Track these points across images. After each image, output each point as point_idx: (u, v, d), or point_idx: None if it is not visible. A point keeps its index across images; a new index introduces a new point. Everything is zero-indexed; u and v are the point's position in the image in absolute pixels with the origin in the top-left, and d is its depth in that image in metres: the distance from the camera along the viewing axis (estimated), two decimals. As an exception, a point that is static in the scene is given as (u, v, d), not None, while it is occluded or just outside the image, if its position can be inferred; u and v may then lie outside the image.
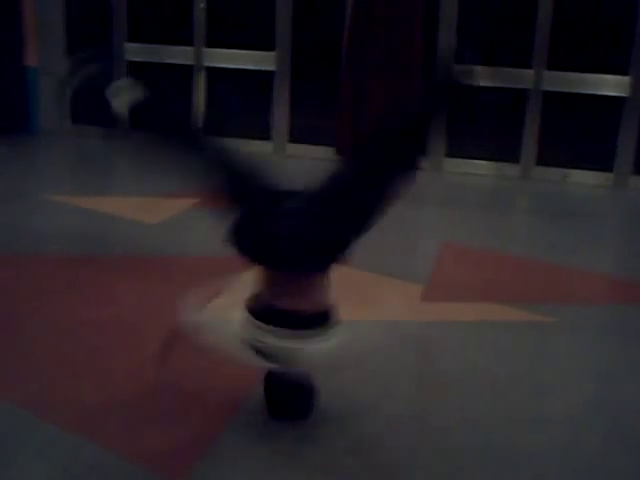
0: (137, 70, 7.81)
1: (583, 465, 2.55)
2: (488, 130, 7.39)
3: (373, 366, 3.15)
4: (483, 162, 7.16)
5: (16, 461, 2.40)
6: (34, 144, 7.74)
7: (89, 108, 2.45)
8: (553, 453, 2.59)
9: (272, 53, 7.38)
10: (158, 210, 5.31)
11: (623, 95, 6.67)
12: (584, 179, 6.87)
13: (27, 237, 4.69)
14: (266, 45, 7.40)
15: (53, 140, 7.87)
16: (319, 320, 2.48)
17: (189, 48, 7.62)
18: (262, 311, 2.44)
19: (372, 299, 3.93)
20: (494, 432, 2.70)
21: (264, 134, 7.58)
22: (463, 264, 4.57)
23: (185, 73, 7.66)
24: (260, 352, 2.40)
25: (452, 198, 6.32)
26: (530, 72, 6.80)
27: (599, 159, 6.88)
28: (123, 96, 2.57)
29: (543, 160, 6.95)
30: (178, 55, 7.69)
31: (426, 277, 4.24)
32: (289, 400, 2.62)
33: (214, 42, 7.58)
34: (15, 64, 7.88)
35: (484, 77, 6.95)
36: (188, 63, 7.65)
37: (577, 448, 2.64)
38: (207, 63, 7.61)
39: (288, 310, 2.42)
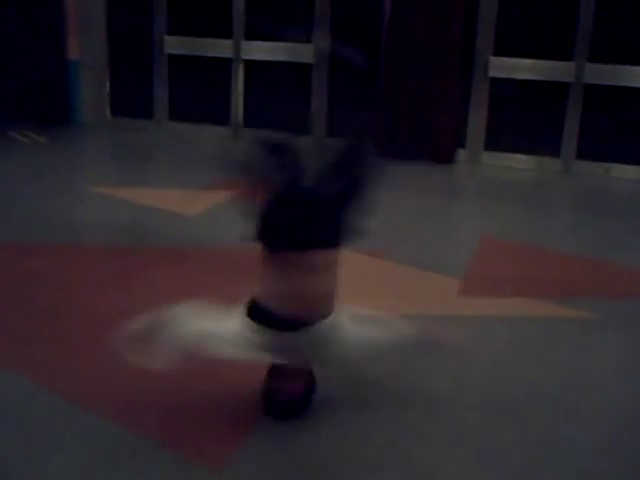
0: (176, 63, 7.89)
1: (622, 461, 2.52)
2: (528, 123, 7.31)
3: (407, 361, 3.14)
4: (523, 156, 7.08)
5: (58, 448, 2.44)
6: (75, 136, 7.84)
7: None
8: (591, 449, 2.57)
9: (310, 45, 7.37)
10: (196, 202, 5.35)
11: (666, 88, 6.56)
12: (626, 173, 6.77)
13: (68, 228, 4.76)
14: (305, 40, 7.39)
15: (93, 132, 7.97)
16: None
17: (228, 41, 7.65)
18: (262, 316, 2.48)
19: (409, 293, 3.91)
20: (531, 428, 2.68)
21: (302, 127, 7.59)
22: (502, 258, 4.53)
23: (224, 66, 7.69)
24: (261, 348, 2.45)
25: (491, 192, 6.27)
26: (571, 64, 6.71)
27: (641, 153, 6.78)
28: None
29: (584, 154, 6.85)
30: (217, 48, 7.73)
31: (464, 271, 4.21)
32: (286, 400, 2.62)
33: (252, 35, 7.61)
34: (57, 57, 7.99)
35: (525, 69, 6.90)
36: (227, 56, 7.68)
37: (616, 444, 2.61)
38: (245, 56, 7.64)
39: (288, 316, 2.46)
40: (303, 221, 2.51)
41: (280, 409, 2.62)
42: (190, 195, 5.62)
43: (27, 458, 2.38)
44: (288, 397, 2.59)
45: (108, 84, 8.20)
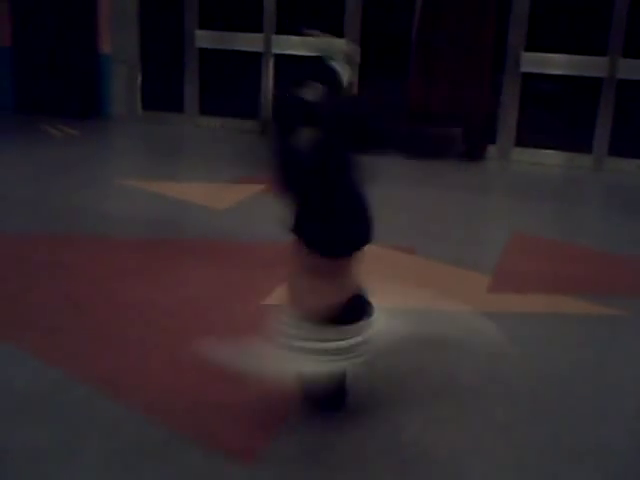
0: (207, 57, 7.92)
1: (653, 462, 2.50)
2: (559, 119, 7.24)
3: (437, 357, 3.14)
4: (553, 152, 7.02)
5: (89, 437, 2.48)
6: (106, 130, 7.91)
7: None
8: (622, 448, 2.55)
9: (341, 40, 7.36)
10: (226, 195, 5.37)
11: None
12: (659, 170, 6.69)
13: (100, 220, 4.80)
14: (335, 32, 7.38)
15: (125, 126, 8.03)
16: (357, 312, 2.50)
17: (258, 35, 7.67)
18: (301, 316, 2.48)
19: (439, 288, 3.90)
20: (561, 426, 2.66)
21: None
22: (532, 255, 4.50)
23: (254, 60, 7.71)
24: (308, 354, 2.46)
25: (521, 188, 6.22)
26: (605, 60, 6.64)
27: (674, 149, 6.69)
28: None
29: (616, 150, 6.78)
30: (247, 42, 7.74)
31: (494, 267, 4.19)
32: (324, 395, 2.62)
33: (283, 29, 7.62)
34: (89, 51, 8.06)
35: (557, 65, 6.84)
36: (257, 50, 7.70)
37: (647, 445, 2.59)
38: (276, 50, 7.64)
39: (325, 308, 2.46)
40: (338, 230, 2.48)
41: (318, 403, 2.63)
42: (220, 189, 5.65)
43: (58, 447, 2.41)
44: (324, 394, 2.60)
45: (139, 78, 8.26)
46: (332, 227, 2.46)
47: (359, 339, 2.47)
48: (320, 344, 2.44)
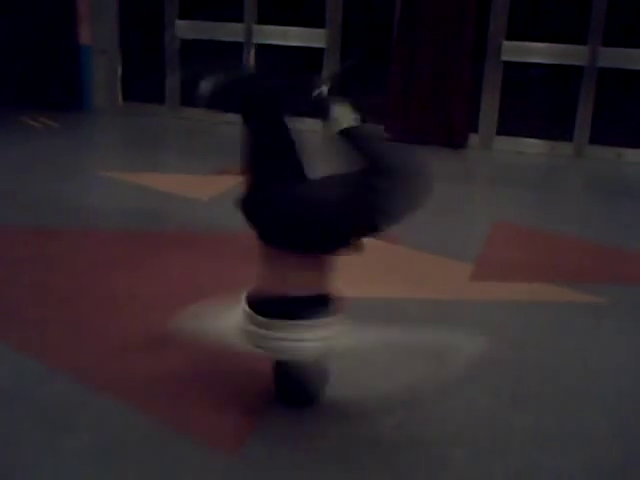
0: (187, 47, 7.87)
1: (635, 447, 2.52)
2: (540, 108, 7.27)
3: (412, 341, 3.15)
4: (535, 140, 7.06)
5: (72, 430, 2.47)
6: (87, 121, 7.86)
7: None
8: (605, 434, 2.57)
9: (322, 30, 7.35)
10: (208, 187, 5.35)
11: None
12: (639, 158, 6.73)
13: (82, 213, 4.78)
14: (316, 22, 7.37)
15: (105, 117, 7.98)
16: (318, 307, 2.46)
17: (239, 25, 7.63)
18: (262, 303, 2.47)
19: (421, 278, 3.92)
20: (542, 413, 2.68)
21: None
22: (514, 244, 4.52)
23: (235, 50, 7.68)
24: (261, 345, 2.44)
25: (503, 177, 6.25)
26: (585, 48, 6.67)
27: (655, 138, 6.74)
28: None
29: (597, 138, 6.82)
30: (228, 32, 7.71)
31: (476, 256, 4.21)
32: (298, 386, 2.61)
33: (264, 19, 7.59)
34: (69, 42, 8.00)
35: (538, 53, 6.86)
36: (238, 40, 7.66)
37: (628, 430, 2.61)
38: (257, 40, 7.62)
39: (288, 298, 2.44)
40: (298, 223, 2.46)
41: (289, 394, 2.63)
42: (203, 180, 5.63)
43: (41, 441, 2.40)
44: (297, 382, 2.60)
45: (120, 69, 8.20)
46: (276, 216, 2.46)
47: (306, 336, 2.41)
48: (262, 332, 2.42)
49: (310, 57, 7.45)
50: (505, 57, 6.89)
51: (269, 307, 2.44)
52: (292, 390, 2.61)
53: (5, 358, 2.91)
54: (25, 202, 4.94)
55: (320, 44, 7.36)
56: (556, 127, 7.06)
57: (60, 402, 2.63)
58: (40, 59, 7.98)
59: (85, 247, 4.17)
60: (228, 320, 2.54)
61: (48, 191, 5.18)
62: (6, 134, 7.06)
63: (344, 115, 2.66)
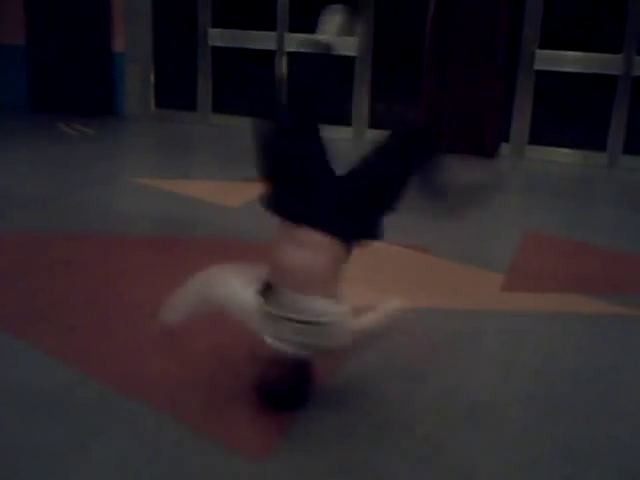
0: (220, 55, 7.92)
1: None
2: (573, 117, 7.21)
3: (450, 354, 3.13)
4: (568, 150, 6.99)
5: (103, 434, 2.48)
6: (120, 128, 7.94)
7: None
8: (636, 448, 2.53)
9: (355, 38, 7.35)
10: (239, 194, 5.37)
11: None
12: (674, 168, 6.65)
13: (112, 219, 4.82)
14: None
15: (138, 124, 8.05)
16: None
17: (271, 33, 7.67)
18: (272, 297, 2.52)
19: (452, 288, 3.89)
20: (575, 426, 2.65)
21: (344, 120, 7.58)
22: (545, 254, 4.48)
23: (267, 58, 7.71)
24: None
25: (535, 186, 6.20)
26: (620, 57, 6.60)
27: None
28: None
29: (631, 148, 6.74)
30: (260, 40, 7.75)
31: (507, 266, 4.18)
32: (283, 390, 2.59)
33: (296, 27, 7.61)
34: (102, 50, 8.09)
35: (572, 62, 6.80)
36: (270, 48, 7.70)
37: (662, 445, 2.57)
38: (289, 48, 7.65)
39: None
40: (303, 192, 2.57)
41: (269, 397, 2.61)
42: (233, 187, 5.65)
43: (73, 444, 2.42)
44: (277, 386, 2.57)
45: (153, 76, 8.28)
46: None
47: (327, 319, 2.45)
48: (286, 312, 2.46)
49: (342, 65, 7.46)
50: (538, 66, 6.84)
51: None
52: (275, 392, 2.59)
53: (38, 362, 2.94)
54: (58, 208, 4.99)
55: (352, 52, 7.36)
56: (589, 137, 6.99)
57: (91, 406, 2.65)
58: (74, 66, 8.08)
59: (116, 253, 4.20)
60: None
61: (81, 197, 5.23)
62: (40, 141, 7.16)
63: (331, 26, 2.77)
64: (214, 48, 7.95)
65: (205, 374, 2.87)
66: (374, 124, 7.49)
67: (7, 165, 6.17)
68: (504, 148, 7.06)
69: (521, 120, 7.02)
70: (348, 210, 2.55)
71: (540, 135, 7.02)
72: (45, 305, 3.47)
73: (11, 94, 8.42)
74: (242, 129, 7.67)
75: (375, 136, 7.35)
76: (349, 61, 7.39)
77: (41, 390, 2.74)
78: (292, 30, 7.61)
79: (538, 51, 6.81)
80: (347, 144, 7.34)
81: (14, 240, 4.36)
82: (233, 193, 5.45)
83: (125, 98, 8.27)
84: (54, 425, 2.52)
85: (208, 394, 2.73)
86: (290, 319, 2.45)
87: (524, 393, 2.87)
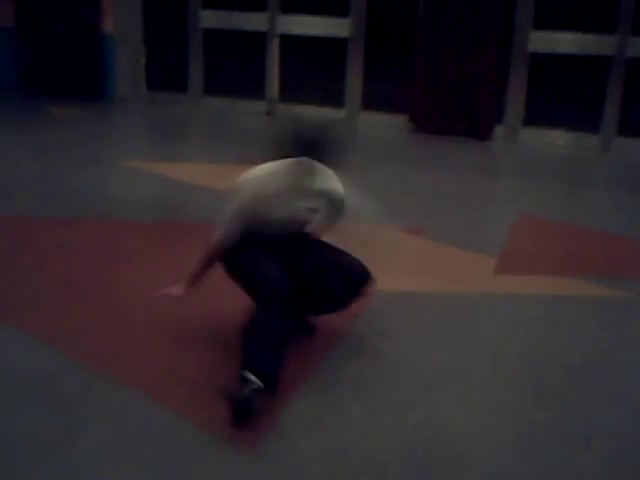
0: (211, 37, 7.85)
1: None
2: (568, 99, 7.17)
3: (448, 338, 3.11)
4: (562, 132, 6.96)
5: (90, 422, 2.45)
6: (110, 110, 7.87)
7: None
8: (628, 432, 2.51)
9: (347, 19, 7.28)
10: (230, 177, 5.31)
11: None
12: (668, 150, 6.62)
13: (103, 202, 4.77)
14: (340, 11, 7.31)
15: (129, 106, 7.98)
16: None
17: (263, 14, 7.59)
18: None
19: (445, 271, 3.87)
20: (567, 410, 2.63)
21: (337, 101, 7.52)
22: (539, 236, 4.46)
23: (259, 40, 7.64)
24: None
25: (529, 168, 6.16)
26: (614, 38, 6.55)
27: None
28: None
29: (625, 130, 6.71)
30: (252, 22, 7.67)
31: (500, 249, 4.15)
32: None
33: (288, 8, 7.54)
34: (92, 31, 8.00)
35: (566, 43, 6.75)
36: (262, 30, 7.62)
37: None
38: (281, 30, 7.57)
39: None
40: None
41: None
42: (225, 170, 5.60)
43: (61, 433, 2.39)
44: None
45: (144, 58, 8.20)
46: None
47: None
48: None
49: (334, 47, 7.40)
50: (532, 47, 6.79)
51: None
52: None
53: (26, 347, 2.90)
54: (46, 191, 4.95)
55: (344, 33, 7.29)
56: (583, 119, 6.95)
57: (80, 394, 2.61)
58: (64, 48, 7.99)
59: (105, 237, 4.16)
60: None
61: (70, 180, 5.18)
62: (29, 122, 7.09)
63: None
64: (205, 30, 7.87)
65: (195, 362, 2.83)
66: (367, 105, 7.44)
67: (-4, 148, 6.12)
68: (498, 130, 7.02)
69: (515, 102, 6.97)
70: None
71: (534, 117, 6.98)
72: (33, 290, 3.43)
73: (0, 76, 8.34)
74: (233, 112, 7.66)
75: (367, 118, 7.31)
76: (342, 42, 7.33)
77: (27, 377, 2.71)
78: (284, 11, 7.53)
79: (532, 32, 6.75)
80: (339, 126, 7.31)
81: (1, 224, 4.31)
82: (224, 176, 5.39)
83: (116, 80, 8.19)
84: (40, 413, 2.49)
85: (197, 382, 2.70)
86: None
87: (516, 377, 2.85)
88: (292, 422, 2.50)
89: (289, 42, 7.62)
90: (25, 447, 2.32)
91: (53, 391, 2.62)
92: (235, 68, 8.27)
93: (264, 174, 2.85)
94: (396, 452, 2.36)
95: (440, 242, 4.24)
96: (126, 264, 3.77)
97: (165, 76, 8.26)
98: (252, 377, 2.45)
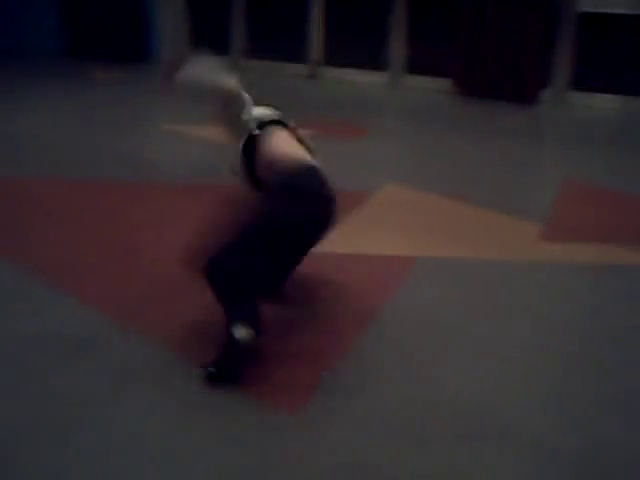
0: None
1: None
2: (618, 61, 6.99)
3: (492, 305, 3.09)
4: (611, 96, 6.79)
5: (137, 383, 2.50)
6: (153, 72, 7.87)
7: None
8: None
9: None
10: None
11: None
12: None
13: (142, 166, 4.81)
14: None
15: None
16: None
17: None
18: None
19: (489, 237, 3.82)
20: (610, 378, 2.60)
21: (380, 64, 7.43)
22: (586, 203, 4.37)
23: (303, 1, 7.56)
24: None
25: (576, 134, 6.03)
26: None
27: None
28: None
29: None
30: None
31: (545, 216, 4.09)
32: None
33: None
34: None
35: (617, 3, 6.55)
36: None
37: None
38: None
39: None
40: None
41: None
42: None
43: (108, 393, 2.44)
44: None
45: (188, 20, 8.17)
46: None
47: None
48: None
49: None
50: (581, 7, 6.61)
51: None
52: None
53: (72, 311, 2.95)
54: (86, 154, 4.99)
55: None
56: (635, 82, 6.77)
57: (125, 356, 2.66)
58: (108, 10, 7.99)
59: (146, 201, 4.19)
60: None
61: (111, 144, 5.22)
62: (74, 84, 7.14)
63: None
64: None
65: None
66: (410, 69, 7.34)
67: (38, 110, 6.17)
68: (545, 94, 6.88)
69: (563, 65, 6.81)
70: None
71: (583, 81, 6.82)
72: (75, 253, 3.48)
73: (46, 39, 8.39)
74: (276, 74, 7.61)
75: (411, 82, 7.21)
76: (386, 5, 7.21)
77: (74, 339, 2.76)
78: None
79: (582, -8, 6.57)
80: (382, 90, 7.23)
81: (42, 187, 4.36)
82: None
83: (159, 42, 8.18)
84: (87, 374, 2.54)
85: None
86: None
87: (561, 346, 2.82)
88: (335, 388, 2.51)
89: (333, 4, 7.52)
90: (72, 407, 2.37)
91: (101, 352, 2.67)
92: (279, 30, 8.20)
93: None
94: (439, 419, 2.36)
95: (484, 208, 4.19)
96: (168, 227, 3.81)
97: (208, 38, 8.23)
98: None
